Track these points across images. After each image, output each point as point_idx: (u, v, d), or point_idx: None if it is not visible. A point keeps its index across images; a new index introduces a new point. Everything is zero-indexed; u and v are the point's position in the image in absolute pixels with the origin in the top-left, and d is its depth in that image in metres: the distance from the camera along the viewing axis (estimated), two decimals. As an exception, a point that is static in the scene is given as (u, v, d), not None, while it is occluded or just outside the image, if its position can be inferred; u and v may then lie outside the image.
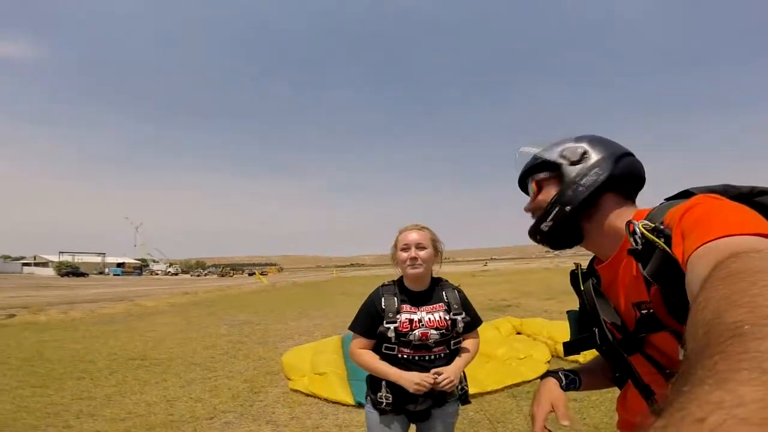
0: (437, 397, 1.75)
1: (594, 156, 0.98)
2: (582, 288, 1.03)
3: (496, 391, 4.32)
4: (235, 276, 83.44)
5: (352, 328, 1.87)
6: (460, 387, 1.83)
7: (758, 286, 0.36)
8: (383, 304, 1.79)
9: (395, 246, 1.89)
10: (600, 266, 0.99)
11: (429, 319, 1.77)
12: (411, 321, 1.75)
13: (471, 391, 4.10)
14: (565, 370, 1.17)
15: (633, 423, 0.99)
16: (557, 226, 0.99)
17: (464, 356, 1.85)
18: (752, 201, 0.75)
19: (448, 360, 1.80)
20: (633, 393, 0.94)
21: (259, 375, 5.30)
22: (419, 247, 1.81)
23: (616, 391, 1.07)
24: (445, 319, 1.79)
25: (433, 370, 1.71)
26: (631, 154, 1.00)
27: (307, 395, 4.40)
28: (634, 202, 0.99)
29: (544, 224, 1.01)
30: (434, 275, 1.93)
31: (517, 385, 4.49)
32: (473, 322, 1.90)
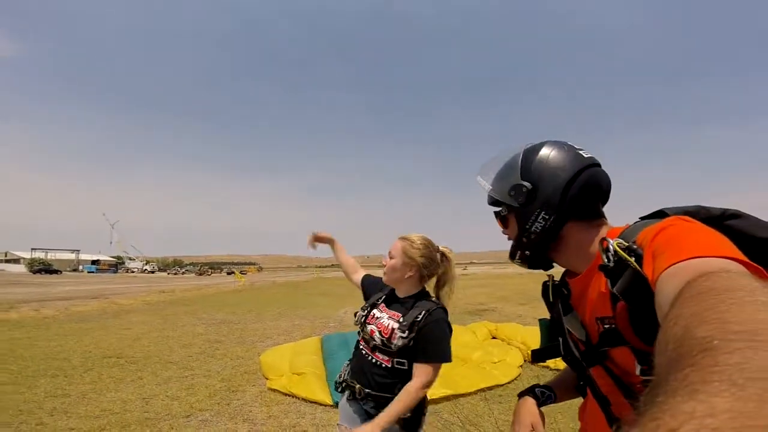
0: (375, 405, 1.68)
1: (541, 194, 0.97)
2: (551, 300, 1.08)
3: (469, 393, 4.43)
4: (213, 275, 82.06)
5: (365, 275, 2.13)
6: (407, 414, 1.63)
7: (726, 303, 0.38)
8: (373, 294, 1.95)
9: None
10: (571, 279, 1.01)
11: (381, 321, 1.76)
12: (374, 316, 1.82)
13: (445, 393, 4.25)
14: (540, 386, 1.19)
15: None
16: (528, 260, 1.04)
17: (392, 407, 1.57)
18: (722, 224, 0.78)
19: (389, 374, 1.69)
20: (592, 403, 0.97)
21: (237, 374, 5.32)
22: (389, 255, 1.83)
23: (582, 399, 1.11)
24: (392, 328, 1.69)
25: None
26: (588, 167, 0.96)
27: (285, 395, 4.45)
28: (599, 216, 0.98)
29: (515, 261, 1.07)
30: (438, 291, 1.83)
31: (490, 388, 4.61)
32: (422, 353, 1.64)
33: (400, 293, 1.83)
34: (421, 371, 1.63)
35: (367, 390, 1.71)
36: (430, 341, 1.64)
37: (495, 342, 6.72)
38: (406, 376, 1.66)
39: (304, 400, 4.26)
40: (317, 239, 2.25)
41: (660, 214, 0.84)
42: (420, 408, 1.69)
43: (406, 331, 1.65)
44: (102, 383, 4.86)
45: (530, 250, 1.02)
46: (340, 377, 1.88)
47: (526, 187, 0.98)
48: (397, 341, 1.65)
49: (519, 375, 5.10)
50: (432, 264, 1.80)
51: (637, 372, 0.78)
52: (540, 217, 0.97)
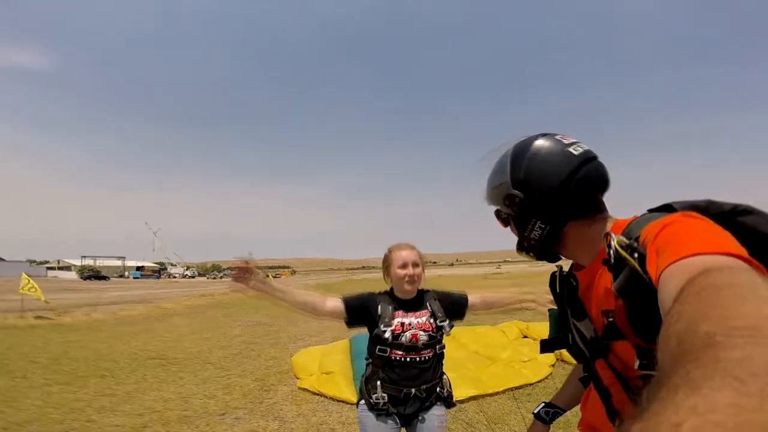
0: (424, 400, 1.93)
1: (533, 204, 0.96)
2: (557, 291, 1.09)
3: (497, 393, 4.41)
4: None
5: (344, 297, 2.00)
6: (445, 390, 2.00)
7: (728, 300, 0.39)
8: (380, 310, 1.97)
9: (388, 262, 2.06)
10: (578, 272, 1.01)
11: (417, 322, 1.96)
12: (402, 324, 1.94)
13: (472, 393, 4.25)
14: (545, 405, 1.30)
15: (592, 425, 1.05)
16: (537, 257, 1.06)
17: (505, 294, 2.20)
18: (733, 220, 0.76)
19: (435, 362, 1.98)
20: (594, 394, 0.99)
21: (270, 374, 5.52)
22: (415, 264, 2.00)
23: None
24: (430, 323, 1.97)
25: None
26: (581, 165, 0.93)
27: (314, 393, 4.58)
28: (600, 210, 0.96)
29: (525, 255, 1.08)
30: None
31: (519, 387, 4.56)
32: (461, 306, 2.09)
33: (411, 295, 2.05)
34: (472, 299, 2.12)
35: (423, 386, 1.92)
36: (452, 297, 2.10)
37: (526, 341, 6.60)
38: (443, 356, 2.05)
39: (332, 398, 4.38)
40: (242, 278, 1.75)
41: (667, 208, 0.82)
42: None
43: (447, 319, 2.00)
44: (146, 383, 5.16)
45: (533, 252, 1.04)
46: (381, 399, 1.88)
47: (518, 197, 0.97)
48: (447, 329, 1.99)
49: (550, 374, 5.01)
50: None
51: (636, 366, 0.78)
52: (536, 226, 0.97)
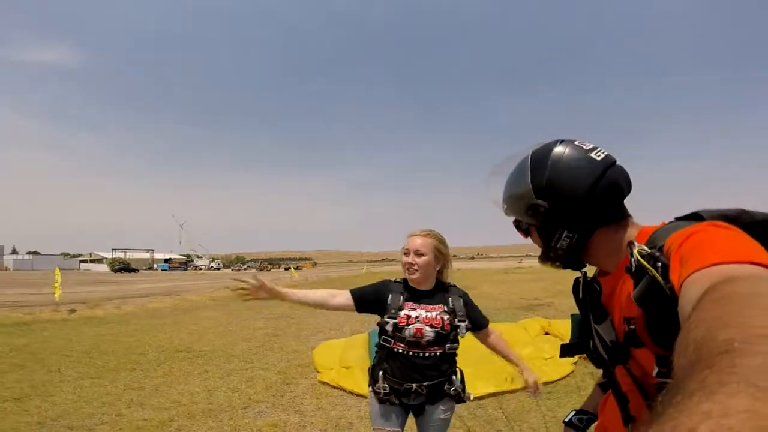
0: (429, 394, 1.87)
1: (560, 214, 0.94)
2: (580, 296, 1.06)
3: (517, 390, 4.37)
4: (272, 270, 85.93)
5: (352, 290, 2.01)
6: (453, 388, 1.92)
7: (749, 308, 0.38)
8: (390, 298, 1.92)
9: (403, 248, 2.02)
10: (602, 278, 1.01)
11: (426, 316, 1.87)
12: (408, 317, 1.86)
13: (491, 390, 4.22)
14: (576, 412, 1.28)
15: (608, 430, 1.03)
16: (562, 266, 1.04)
17: (515, 353, 2.09)
18: (766, 230, 0.74)
19: (441, 361, 1.90)
20: (612, 400, 0.98)
21: (291, 367, 5.62)
22: (417, 253, 1.91)
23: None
24: (442, 318, 1.88)
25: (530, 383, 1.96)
26: (607, 170, 0.92)
27: (334, 387, 4.65)
28: (625, 215, 0.95)
29: (549, 265, 1.06)
30: (445, 279, 2.04)
31: (540, 384, 4.53)
32: (481, 322, 2.04)
33: (426, 286, 1.98)
34: (489, 330, 2.08)
35: (425, 383, 1.86)
36: (478, 312, 2.05)
37: (547, 338, 6.51)
38: (454, 355, 1.96)
39: (351, 393, 4.43)
40: (246, 289, 1.92)
41: (695, 217, 0.81)
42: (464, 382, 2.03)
43: (466, 320, 1.94)
44: (173, 376, 5.33)
45: (560, 261, 1.02)
46: (381, 390, 1.88)
47: (543, 206, 0.94)
48: (463, 331, 1.92)
49: (572, 372, 4.94)
50: (449, 255, 2.04)
51: (654, 373, 0.78)
52: (564, 236, 0.95)
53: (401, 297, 1.92)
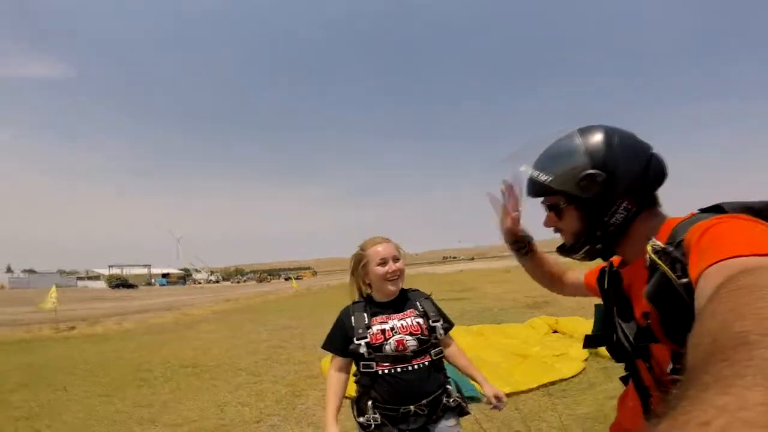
0: (430, 413, 1.66)
1: (622, 183, 0.89)
2: (605, 287, 1.05)
3: (531, 389, 4.35)
4: (272, 281, 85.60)
5: (324, 347, 1.81)
6: (452, 399, 1.73)
7: (766, 300, 0.38)
8: (353, 321, 1.73)
9: (364, 260, 1.80)
10: (623, 269, 1.00)
11: (402, 325, 1.70)
12: (383, 331, 1.68)
13: (506, 391, 4.16)
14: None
15: (624, 426, 1.04)
16: (596, 253, 1.00)
17: (473, 366, 1.84)
18: None
19: (431, 370, 1.70)
20: (632, 395, 0.98)
21: (300, 379, 5.55)
22: (395, 259, 1.75)
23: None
24: (419, 324, 1.72)
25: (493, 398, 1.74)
26: (653, 154, 0.92)
27: (345, 397, 4.58)
28: (659, 203, 0.95)
29: (576, 255, 1.02)
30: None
31: (553, 383, 4.48)
32: (450, 326, 1.84)
33: (395, 295, 1.80)
34: (450, 338, 1.87)
35: (424, 402, 1.64)
36: (444, 313, 1.85)
37: (555, 336, 6.50)
38: (442, 361, 1.78)
39: (364, 402, 4.35)
40: None
41: (717, 209, 0.80)
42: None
43: (440, 319, 1.78)
44: (181, 392, 5.25)
45: (604, 243, 0.96)
46: (372, 422, 1.64)
47: (601, 176, 0.89)
48: (440, 331, 1.74)
49: (584, 369, 4.91)
50: None
51: (668, 369, 0.79)
52: (622, 207, 0.90)
53: (365, 315, 1.73)
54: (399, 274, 1.75)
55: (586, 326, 6.26)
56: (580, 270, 1.34)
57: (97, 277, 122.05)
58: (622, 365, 1.01)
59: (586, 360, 5.15)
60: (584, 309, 9.37)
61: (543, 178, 0.96)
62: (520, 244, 1.33)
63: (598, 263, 1.17)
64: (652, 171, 0.90)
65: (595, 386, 4.30)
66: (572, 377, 4.65)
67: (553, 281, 1.39)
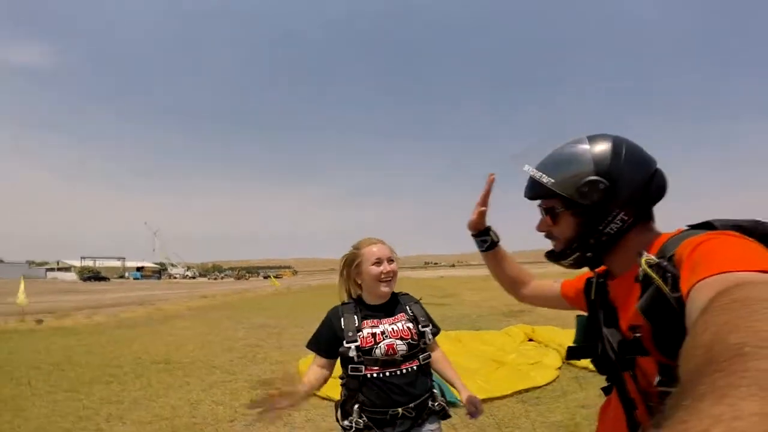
0: (416, 417, 1.66)
1: (623, 193, 0.90)
2: (591, 298, 1.05)
3: (505, 396, 4.40)
4: (250, 279, 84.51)
5: (309, 346, 1.78)
6: (437, 403, 1.73)
7: (759, 313, 0.38)
8: (342, 323, 1.70)
9: (357, 260, 1.78)
10: (611, 281, 1.00)
11: (392, 329, 1.69)
12: (374, 335, 1.66)
13: (481, 397, 4.19)
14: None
15: None
16: (584, 261, 1.00)
17: (454, 372, 1.83)
18: None
19: (419, 375, 1.70)
20: (614, 404, 0.97)
21: (277, 378, 5.47)
22: (390, 260, 1.74)
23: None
24: (409, 328, 1.71)
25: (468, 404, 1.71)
26: (657, 169, 0.93)
27: (323, 398, 4.55)
28: (653, 219, 0.96)
29: (565, 262, 1.01)
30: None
31: (527, 390, 4.55)
32: (437, 332, 1.85)
33: (387, 298, 1.78)
34: (436, 344, 1.86)
35: (411, 405, 1.64)
36: (432, 319, 1.86)
37: (531, 344, 6.60)
38: (429, 366, 1.78)
39: (341, 404, 4.33)
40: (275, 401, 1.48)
41: (707, 226, 0.81)
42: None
43: (429, 324, 1.79)
44: (152, 389, 5.12)
45: (594, 252, 0.97)
46: (352, 425, 1.64)
47: (603, 183, 0.89)
48: (429, 336, 1.77)
49: (557, 377, 5.01)
50: None
51: (655, 382, 0.78)
52: (618, 218, 0.91)
53: (356, 317, 1.71)
54: (393, 276, 1.74)
55: (562, 336, 6.40)
56: (555, 280, 1.34)
57: (68, 269, 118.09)
58: (596, 374, 1.00)
59: (559, 368, 5.25)
60: (560, 318, 9.53)
61: (545, 179, 0.96)
62: (484, 237, 1.35)
63: (577, 274, 1.18)
64: (654, 186, 0.91)
65: (568, 395, 4.38)
66: (546, 385, 4.73)
67: (513, 284, 1.38)
